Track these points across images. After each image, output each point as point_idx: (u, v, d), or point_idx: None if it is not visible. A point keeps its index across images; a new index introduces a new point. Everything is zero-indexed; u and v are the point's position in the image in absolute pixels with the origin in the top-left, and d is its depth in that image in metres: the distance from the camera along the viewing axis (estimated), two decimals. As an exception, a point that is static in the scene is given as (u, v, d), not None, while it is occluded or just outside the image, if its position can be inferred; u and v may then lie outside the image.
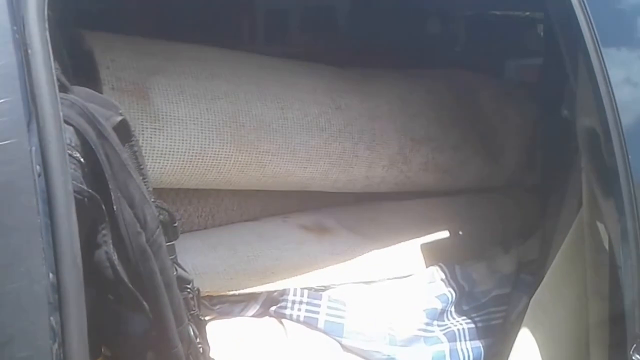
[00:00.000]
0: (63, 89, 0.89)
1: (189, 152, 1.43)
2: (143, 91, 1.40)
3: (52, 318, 0.68)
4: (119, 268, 0.86)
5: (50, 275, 0.68)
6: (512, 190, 2.17)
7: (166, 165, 1.40)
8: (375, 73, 1.99)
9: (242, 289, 1.46)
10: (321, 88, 1.77)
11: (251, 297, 1.49)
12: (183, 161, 1.43)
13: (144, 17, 1.96)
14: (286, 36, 2.49)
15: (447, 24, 2.84)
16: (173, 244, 1.00)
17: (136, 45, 1.51)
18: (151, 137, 1.37)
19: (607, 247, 1.30)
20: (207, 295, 1.39)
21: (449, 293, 1.71)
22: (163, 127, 1.39)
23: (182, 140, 1.42)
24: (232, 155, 1.51)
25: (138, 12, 1.96)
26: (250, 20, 2.41)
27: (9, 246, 0.67)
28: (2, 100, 0.72)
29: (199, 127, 1.45)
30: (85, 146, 0.87)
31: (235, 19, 2.36)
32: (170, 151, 1.40)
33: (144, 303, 0.89)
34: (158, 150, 1.38)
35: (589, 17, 1.26)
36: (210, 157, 1.47)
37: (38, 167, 0.73)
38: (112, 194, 0.87)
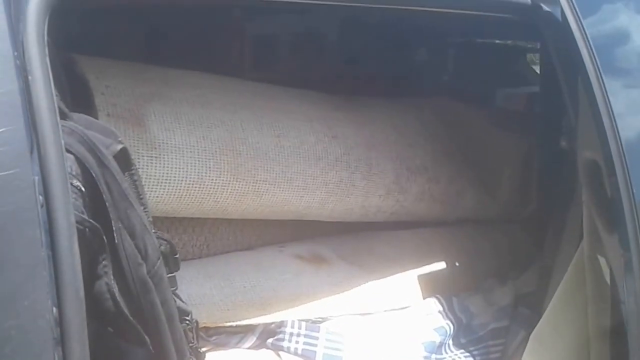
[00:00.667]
0: (62, 115, 0.88)
1: (185, 181, 1.42)
2: (139, 118, 1.39)
3: (55, 353, 0.66)
4: (120, 300, 0.84)
5: (54, 309, 0.66)
6: (509, 221, 2.17)
7: (162, 194, 1.39)
8: (366, 101, 2.01)
9: (239, 320, 1.44)
10: (316, 116, 1.78)
11: (248, 329, 1.47)
12: (180, 190, 1.42)
13: (136, 42, 1.96)
14: (274, 62, 2.50)
15: (439, 52, 2.86)
16: (174, 276, 0.99)
17: (130, 70, 1.50)
18: (147, 165, 1.36)
19: (608, 281, 1.30)
20: (204, 326, 1.37)
21: (447, 326, 1.70)
22: (159, 154, 1.38)
23: (179, 168, 1.41)
24: (229, 183, 1.50)
25: (130, 37, 1.96)
26: (240, 46, 2.42)
27: (12, 280, 0.66)
28: (4, 129, 0.71)
29: (195, 155, 1.45)
30: (86, 175, 0.85)
31: (225, 45, 2.37)
32: (166, 179, 1.39)
33: (145, 336, 0.87)
34: (154, 179, 1.37)
35: (590, 46, 1.28)
36: (207, 185, 1.46)
37: (40, 197, 0.72)
38: (113, 224, 0.86)
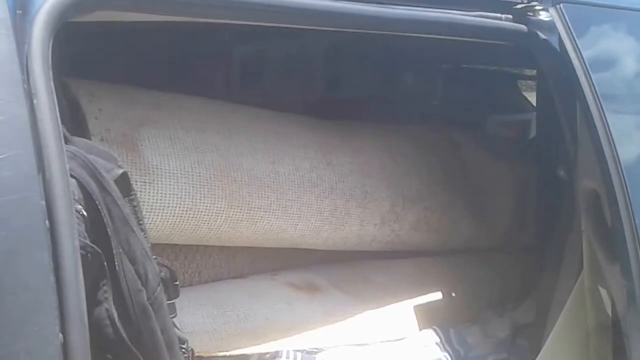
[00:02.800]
0: (64, 139, 0.91)
1: (179, 207, 1.44)
2: (133, 142, 1.41)
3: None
4: (119, 326, 0.86)
5: (60, 335, 0.68)
6: (506, 250, 2.20)
7: (156, 220, 1.41)
8: (362, 127, 2.04)
9: (233, 349, 1.45)
10: (311, 142, 1.81)
11: (242, 359, 1.48)
12: (173, 216, 1.43)
13: (130, 65, 1.99)
14: (268, 87, 2.54)
15: (436, 78, 2.92)
16: (173, 303, 1.01)
17: (123, 93, 1.53)
18: (141, 191, 1.37)
19: (610, 313, 1.31)
20: (197, 356, 1.38)
21: (445, 358, 1.72)
22: (153, 180, 1.40)
23: (173, 194, 1.43)
24: (223, 211, 1.52)
25: (123, 60, 1.99)
26: (231, 70, 2.46)
27: (22, 303, 0.67)
28: (13, 153, 0.73)
29: (189, 181, 1.47)
30: (88, 199, 0.88)
31: (219, 68, 2.41)
32: (160, 206, 1.41)
33: (145, 364, 0.88)
34: (148, 205, 1.39)
35: (588, 73, 1.31)
36: (202, 212, 1.48)
37: (47, 221, 0.74)
38: (114, 249, 0.88)
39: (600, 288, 1.39)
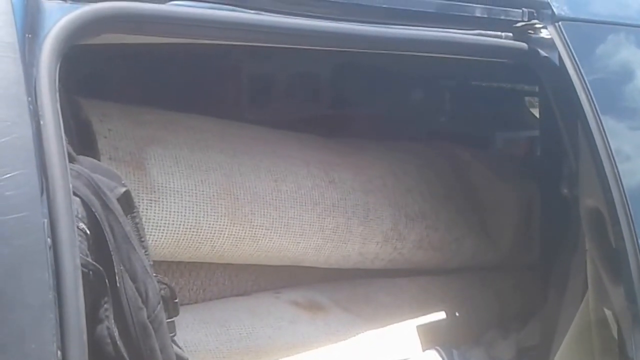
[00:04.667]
0: (70, 158, 0.92)
1: (183, 225, 1.46)
2: (140, 162, 1.44)
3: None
4: (120, 345, 0.87)
5: (59, 352, 0.69)
6: (510, 270, 2.20)
7: (160, 238, 1.43)
8: (364, 145, 2.06)
9: (235, 368, 1.46)
10: (314, 160, 1.82)
11: (244, 378, 1.49)
12: (177, 234, 1.45)
13: (138, 85, 2.02)
14: (272, 105, 2.57)
15: (439, 96, 2.93)
16: (173, 321, 1.02)
17: (132, 113, 1.55)
18: (146, 209, 1.39)
19: (616, 336, 1.29)
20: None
21: (448, 379, 1.71)
22: (159, 198, 1.42)
23: (177, 212, 1.45)
24: (226, 228, 1.53)
25: (132, 80, 2.02)
26: (236, 88, 2.49)
27: (21, 321, 0.69)
28: (17, 172, 0.75)
29: (193, 199, 1.49)
30: (91, 217, 0.89)
31: (225, 87, 2.44)
32: (165, 223, 1.43)
33: (145, 383, 0.89)
34: (153, 222, 1.41)
35: (588, 90, 1.32)
36: (205, 230, 1.49)
37: (49, 239, 0.76)
38: (115, 267, 0.89)
39: (605, 309, 1.38)
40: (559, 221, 1.78)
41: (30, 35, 0.87)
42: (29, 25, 0.88)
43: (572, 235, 1.63)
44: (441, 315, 1.92)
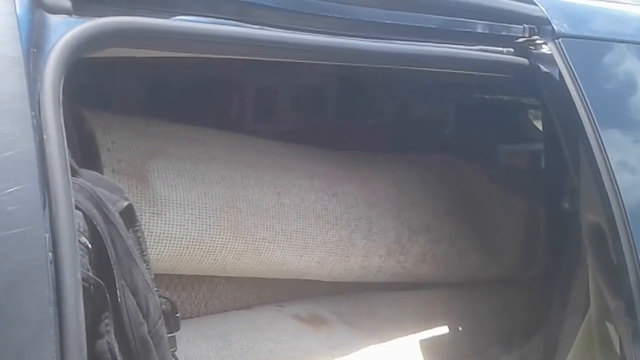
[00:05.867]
0: (72, 172, 0.93)
1: (186, 238, 1.46)
2: (143, 174, 1.44)
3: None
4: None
5: (58, 368, 0.70)
6: (513, 284, 2.20)
7: (163, 251, 1.43)
8: (368, 158, 2.06)
9: (237, 383, 1.46)
10: (317, 173, 1.83)
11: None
12: (180, 247, 1.45)
13: (142, 97, 2.03)
14: (276, 117, 2.58)
15: (442, 109, 2.93)
16: (174, 336, 1.02)
17: (135, 126, 1.56)
18: (149, 222, 1.40)
19: (619, 351, 1.29)
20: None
21: (451, 394, 1.71)
22: (161, 211, 1.42)
23: (180, 225, 1.45)
24: (228, 242, 1.53)
25: (135, 91, 2.03)
26: (240, 101, 2.50)
27: (21, 337, 0.69)
28: (20, 187, 0.75)
29: (196, 212, 1.49)
30: (93, 231, 0.89)
31: (229, 99, 2.45)
32: (167, 236, 1.43)
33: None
34: (155, 235, 1.41)
35: (587, 106, 1.32)
36: (207, 243, 1.50)
37: (50, 254, 0.76)
38: (116, 281, 0.89)
39: (607, 324, 1.38)
40: (562, 235, 1.77)
41: (35, 50, 0.87)
42: (34, 40, 0.88)
43: (575, 250, 1.63)
44: (444, 329, 1.91)
